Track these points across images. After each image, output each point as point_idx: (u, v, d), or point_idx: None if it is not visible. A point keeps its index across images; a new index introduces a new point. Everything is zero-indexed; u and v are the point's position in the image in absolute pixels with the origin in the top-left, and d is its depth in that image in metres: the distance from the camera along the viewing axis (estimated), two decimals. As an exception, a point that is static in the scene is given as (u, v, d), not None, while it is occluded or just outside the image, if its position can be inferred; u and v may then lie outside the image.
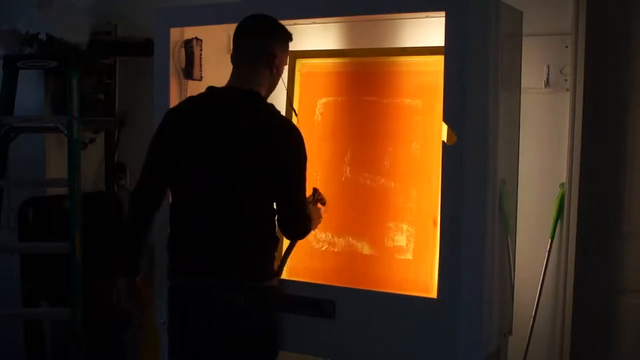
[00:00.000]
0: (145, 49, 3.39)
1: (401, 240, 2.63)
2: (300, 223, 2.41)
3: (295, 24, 2.90)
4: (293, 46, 2.93)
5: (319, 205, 2.62)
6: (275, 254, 2.44)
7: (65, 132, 3.31)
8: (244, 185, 2.28)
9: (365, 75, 2.80)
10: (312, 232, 2.69)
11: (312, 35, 2.95)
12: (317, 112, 2.85)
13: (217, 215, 2.29)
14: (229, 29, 3.03)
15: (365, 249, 2.70)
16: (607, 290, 2.98)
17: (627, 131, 2.94)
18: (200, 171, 2.30)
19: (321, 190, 2.64)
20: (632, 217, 2.95)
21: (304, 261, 2.80)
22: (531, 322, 2.92)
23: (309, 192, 2.55)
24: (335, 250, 2.75)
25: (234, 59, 2.40)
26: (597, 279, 2.97)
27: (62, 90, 3.39)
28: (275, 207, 2.36)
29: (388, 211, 2.67)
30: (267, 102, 2.39)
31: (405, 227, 2.63)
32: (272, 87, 2.44)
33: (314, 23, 2.88)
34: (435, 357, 2.40)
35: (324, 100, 2.85)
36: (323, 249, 2.77)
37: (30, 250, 3.45)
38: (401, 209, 2.65)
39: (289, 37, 2.45)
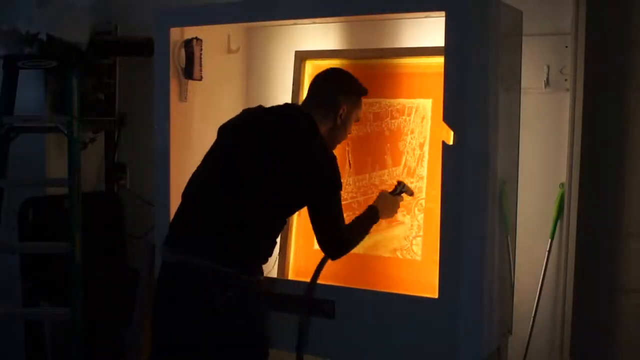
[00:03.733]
0: (145, 49, 3.38)
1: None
2: (330, 246, 2.46)
3: (295, 23, 2.91)
4: (299, 46, 2.94)
5: (404, 195, 2.65)
6: (270, 258, 2.45)
7: (65, 132, 3.31)
8: (267, 188, 2.37)
9: (372, 77, 2.77)
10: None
11: (313, 35, 2.96)
12: None
13: (232, 203, 2.36)
14: (229, 29, 3.05)
15: (372, 249, 2.70)
16: (608, 290, 2.98)
17: (627, 131, 2.94)
18: (235, 159, 2.41)
19: None
20: (632, 216, 2.95)
21: (305, 261, 2.80)
22: (531, 322, 2.92)
23: (391, 187, 2.65)
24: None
25: (304, 101, 2.60)
26: (597, 278, 2.97)
27: (62, 90, 3.39)
28: (286, 218, 2.51)
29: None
30: (318, 132, 2.47)
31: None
32: (333, 134, 2.54)
33: (314, 23, 2.87)
34: (436, 357, 2.40)
35: None
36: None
37: (30, 250, 3.45)
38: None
39: (361, 92, 2.58)
